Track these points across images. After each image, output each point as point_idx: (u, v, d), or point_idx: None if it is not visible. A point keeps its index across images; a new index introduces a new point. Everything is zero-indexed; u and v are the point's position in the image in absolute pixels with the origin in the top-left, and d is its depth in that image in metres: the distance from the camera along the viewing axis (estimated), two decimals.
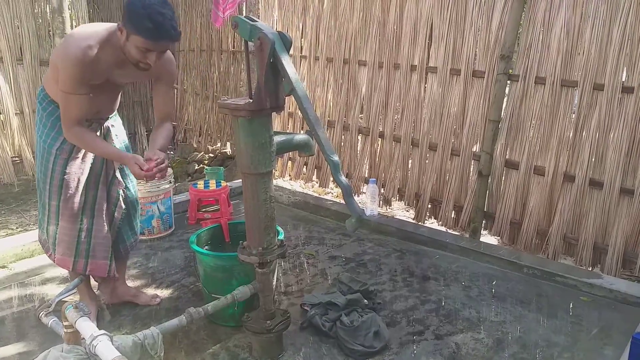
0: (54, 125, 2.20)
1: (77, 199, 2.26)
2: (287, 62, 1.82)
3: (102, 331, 1.63)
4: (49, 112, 2.22)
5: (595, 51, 2.93)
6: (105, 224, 2.35)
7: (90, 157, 2.29)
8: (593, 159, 3.03)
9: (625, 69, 2.89)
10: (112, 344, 1.62)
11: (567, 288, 2.81)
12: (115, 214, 2.42)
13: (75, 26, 4.68)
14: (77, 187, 2.25)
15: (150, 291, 2.76)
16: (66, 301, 1.79)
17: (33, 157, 4.48)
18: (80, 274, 2.30)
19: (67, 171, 2.22)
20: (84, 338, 1.67)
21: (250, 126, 1.93)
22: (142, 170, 2.08)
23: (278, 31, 1.86)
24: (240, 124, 1.94)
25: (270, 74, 1.85)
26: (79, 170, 2.25)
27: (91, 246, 2.32)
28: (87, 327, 1.66)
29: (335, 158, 1.84)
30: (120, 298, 2.62)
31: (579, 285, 2.79)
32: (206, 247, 2.62)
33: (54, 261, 2.37)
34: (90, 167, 2.29)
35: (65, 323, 1.73)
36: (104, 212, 2.35)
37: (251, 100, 1.90)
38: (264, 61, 1.81)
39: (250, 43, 1.90)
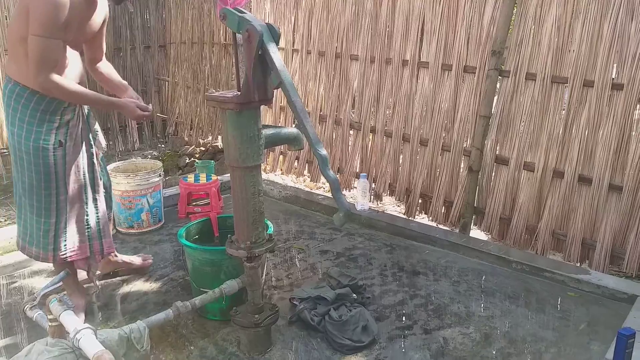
0: (42, 120, 2.08)
1: (82, 182, 2.23)
2: (275, 55, 1.80)
3: (86, 325, 1.62)
4: (32, 107, 2.07)
5: (585, 48, 2.94)
6: (104, 200, 2.35)
7: (79, 134, 2.21)
8: (582, 156, 3.04)
9: (615, 65, 2.90)
10: (97, 338, 1.61)
11: (555, 283, 2.82)
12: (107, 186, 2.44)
13: None
14: (79, 171, 2.22)
15: (139, 285, 2.75)
16: (51, 294, 1.78)
17: None
18: (96, 260, 2.33)
19: (67, 160, 2.15)
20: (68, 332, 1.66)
21: (238, 119, 1.91)
22: (144, 111, 2.20)
23: (266, 23, 1.84)
24: (228, 116, 1.92)
25: (258, 67, 1.84)
26: (77, 153, 2.20)
27: (101, 226, 2.32)
28: (71, 320, 1.65)
29: (324, 152, 1.83)
30: (114, 266, 2.66)
31: (567, 281, 2.80)
32: (195, 240, 2.60)
33: (62, 261, 2.23)
34: (83, 145, 2.24)
35: (50, 316, 1.72)
36: (101, 188, 2.34)
37: (239, 93, 1.88)
38: (252, 53, 1.80)
39: (239, 35, 1.89)
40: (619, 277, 2.87)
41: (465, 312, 2.55)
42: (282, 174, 4.83)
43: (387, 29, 3.75)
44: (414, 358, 2.20)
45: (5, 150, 4.36)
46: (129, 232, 3.39)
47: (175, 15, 5.68)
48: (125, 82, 2.41)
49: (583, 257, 3.13)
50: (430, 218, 3.75)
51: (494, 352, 2.25)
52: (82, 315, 2.35)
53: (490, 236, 3.56)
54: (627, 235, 2.94)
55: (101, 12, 2.24)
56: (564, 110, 3.11)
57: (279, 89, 1.86)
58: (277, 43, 1.85)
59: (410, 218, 3.79)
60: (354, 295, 2.51)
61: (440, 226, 3.67)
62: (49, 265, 2.92)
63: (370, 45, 3.86)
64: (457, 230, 3.54)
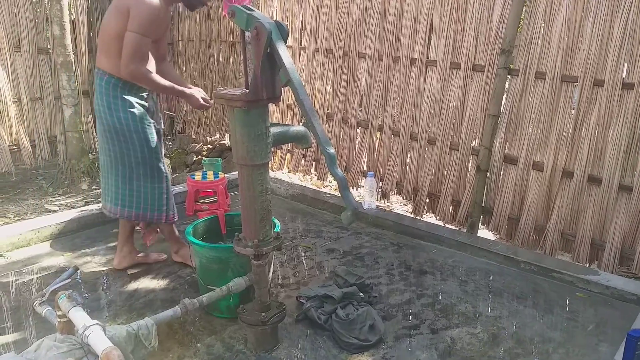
0: (139, 105, 2.49)
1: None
2: (283, 52, 1.80)
3: (95, 321, 1.63)
4: (130, 95, 2.47)
5: (596, 47, 2.91)
6: None
7: (155, 116, 2.66)
8: (592, 155, 3.02)
9: (625, 65, 2.87)
10: (105, 334, 1.61)
11: (563, 284, 2.80)
12: None
13: (72, 14, 4.66)
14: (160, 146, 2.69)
15: (147, 282, 2.76)
16: (60, 291, 1.78)
17: (31, 145, 4.47)
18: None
19: (157, 136, 2.62)
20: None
21: (247, 117, 1.91)
22: (206, 103, 2.64)
23: (275, 21, 1.84)
24: (236, 114, 1.92)
25: (266, 64, 1.84)
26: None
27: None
28: (79, 317, 1.65)
29: (331, 150, 1.82)
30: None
31: (576, 282, 2.78)
32: (202, 238, 2.61)
33: (172, 220, 2.73)
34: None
35: (59, 312, 1.73)
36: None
37: (247, 91, 1.88)
38: (260, 51, 1.80)
39: (247, 33, 1.88)
40: (628, 278, 2.85)
41: (472, 312, 2.54)
42: (289, 172, 4.83)
43: (395, 27, 3.74)
44: (421, 358, 2.19)
45: (14, 147, 4.38)
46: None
47: (183, 12, 5.69)
48: (180, 77, 2.85)
49: (592, 257, 3.11)
50: (438, 217, 3.73)
51: (502, 353, 2.24)
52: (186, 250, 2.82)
53: (498, 236, 3.54)
54: (637, 236, 2.92)
55: (169, 18, 2.62)
56: (573, 109, 3.09)
57: (287, 87, 1.86)
58: (285, 41, 1.85)
59: (418, 217, 3.78)
60: (361, 294, 2.51)
61: (448, 225, 3.66)
62: (57, 262, 2.95)
63: (378, 43, 3.84)
64: (465, 230, 3.52)
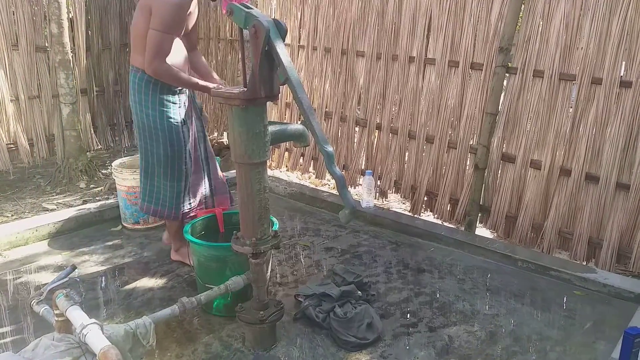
0: (169, 102, 2.52)
1: (198, 153, 2.78)
2: (282, 51, 1.80)
3: (93, 320, 1.62)
4: (160, 92, 2.48)
5: (594, 45, 2.91)
6: (217, 165, 2.97)
7: (191, 113, 2.70)
8: (589, 154, 3.02)
9: (623, 63, 2.87)
10: (103, 333, 1.61)
11: (561, 282, 2.81)
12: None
13: (70, 12, 4.64)
14: (195, 144, 2.76)
15: (145, 280, 2.76)
16: (58, 289, 1.78)
17: (29, 144, 4.45)
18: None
19: (190, 134, 2.67)
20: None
21: (245, 115, 1.91)
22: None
23: (273, 19, 1.83)
24: (234, 112, 1.92)
25: (265, 63, 1.83)
26: (191, 129, 2.70)
27: (213, 186, 2.89)
28: (77, 316, 1.65)
29: (329, 149, 1.82)
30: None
31: (573, 280, 2.79)
32: (201, 236, 2.61)
33: (184, 216, 2.72)
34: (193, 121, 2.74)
35: (56, 311, 1.73)
36: (213, 155, 2.94)
37: (245, 89, 1.88)
38: (259, 49, 1.79)
39: (245, 31, 1.88)
40: (625, 276, 2.85)
41: (470, 310, 2.55)
42: (287, 170, 4.83)
43: (394, 26, 3.74)
44: (419, 355, 2.20)
45: (12, 145, 4.37)
46: (135, 228, 3.40)
47: None
48: (210, 69, 2.85)
49: (589, 255, 3.12)
50: (436, 215, 3.74)
51: (499, 351, 2.24)
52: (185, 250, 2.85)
53: (496, 234, 3.55)
54: (634, 234, 2.92)
55: (195, 7, 2.60)
56: (571, 107, 3.09)
57: (285, 85, 1.86)
58: (283, 39, 1.85)
59: (416, 215, 3.78)
60: (359, 292, 2.51)
61: (446, 224, 3.66)
62: (55, 260, 2.95)
63: (377, 41, 3.84)
64: (463, 228, 3.52)
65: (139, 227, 3.40)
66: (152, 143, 2.59)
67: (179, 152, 2.60)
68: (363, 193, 3.73)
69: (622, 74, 2.87)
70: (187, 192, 2.72)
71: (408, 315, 2.50)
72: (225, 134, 5.62)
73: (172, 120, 2.55)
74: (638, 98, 2.82)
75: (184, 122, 2.61)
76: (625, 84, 2.85)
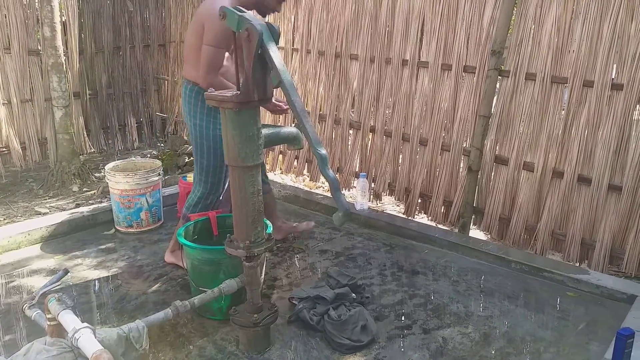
0: (217, 112, 2.50)
1: None
2: (275, 54, 1.80)
3: (85, 324, 1.62)
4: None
5: (585, 48, 2.94)
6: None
7: None
8: (582, 156, 3.04)
9: (615, 66, 2.90)
10: (95, 337, 1.60)
11: (554, 283, 2.82)
12: None
13: (63, 16, 4.63)
14: None
15: (138, 284, 2.75)
16: (50, 294, 1.77)
17: (21, 147, 4.43)
18: None
19: None
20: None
21: (238, 118, 1.91)
22: (280, 107, 2.78)
23: (266, 22, 1.84)
24: (227, 116, 1.92)
25: (258, 66, 1.84)
26: None
27: None
28: (69, 320, 1.64)
29: (323, 151, 1.83)
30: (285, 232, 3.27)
31: (566, 281, 2.80)
32: (194, 240, 2.60)
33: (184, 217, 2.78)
34: None
35: (49, 316, 1.72)
36: None
37: (239, 92, 1.88)
38: (252, 52, 1.80)
39: (238, 34, 1.88)
40: (618, 277, 2.87)
41: (464, 312, 2.55)
42: (281, 173, 4.83)
43: (387, 29, 3.75)
44: (413, 357, 2.20)
45: (4, 149, 4.35)
46: (128, 232, 3.39)
47: (174, 14, 5.67)
48: None
49: (582, 257, 3.13)
50: (430, 218, 3.75)
51: (493, 352, 2.25)
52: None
53: (489, 236, 3.56)
54: (627, 235, 2.95)
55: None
56: (563, 110, 3.11)
57: (279, 89, 1.86)
58: (276, 42, 1.85)
59: (410, 218, 3.79)
60: (353, 294, 2.51)
61: (440, 226, 3.67)
62: (48, 264, 2.93)
63: (370, 44, 3.85)
64: (457, 230, 3.54)
65: (132, 230, 3.39)
66: (197, 152, 2.69)
67: (221, 162, 2.63)
68: (357, 195, 3.74)
69: (613, 77, 2.90)
70: (214, 202, 2.81)
71: (402, 317, 2.51)
72: None
73: (217, 130, 2.60)
74: (629, 100, 2.84)
75: None
76: (616, 87, 2.88)
